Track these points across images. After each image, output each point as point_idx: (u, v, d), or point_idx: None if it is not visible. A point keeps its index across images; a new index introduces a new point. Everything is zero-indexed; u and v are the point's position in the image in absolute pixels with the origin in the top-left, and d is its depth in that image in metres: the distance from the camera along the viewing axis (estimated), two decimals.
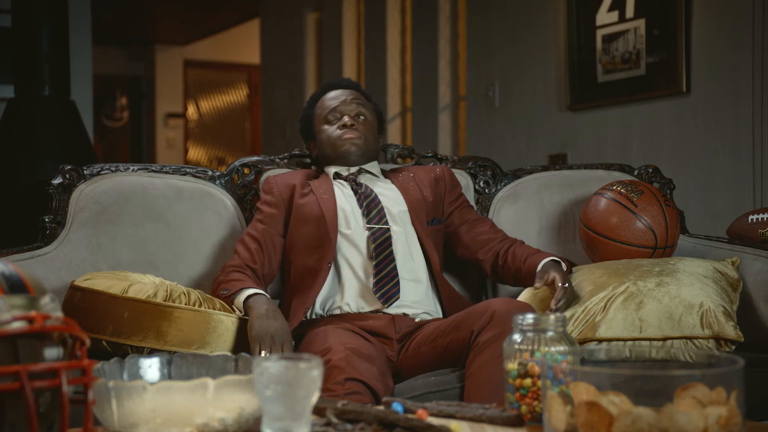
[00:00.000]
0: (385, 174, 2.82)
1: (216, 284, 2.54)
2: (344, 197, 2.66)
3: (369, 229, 2.59)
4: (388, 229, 2.59)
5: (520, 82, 5.29)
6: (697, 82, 4.18)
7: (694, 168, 4.17)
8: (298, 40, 7.83)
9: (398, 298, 2.51)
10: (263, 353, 2.25)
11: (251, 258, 2.59)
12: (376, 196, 2.65)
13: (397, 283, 2.52)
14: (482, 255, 2.71)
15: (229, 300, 2.44)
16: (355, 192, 2.67)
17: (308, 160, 2.94)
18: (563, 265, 2.58)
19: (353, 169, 2.74)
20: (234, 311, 2.42)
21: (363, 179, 2.72)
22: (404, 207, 2.68)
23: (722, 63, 4.08)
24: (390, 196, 2.69)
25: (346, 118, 2.71)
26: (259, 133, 9.59)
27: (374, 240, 2.57)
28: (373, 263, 2.54)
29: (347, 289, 2.55)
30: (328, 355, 2.21)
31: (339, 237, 2.58)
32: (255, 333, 2.30)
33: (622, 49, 4.51)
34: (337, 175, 2.74)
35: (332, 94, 2.80)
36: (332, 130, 2.73)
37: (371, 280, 2.53)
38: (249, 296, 2.42)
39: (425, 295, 2.61)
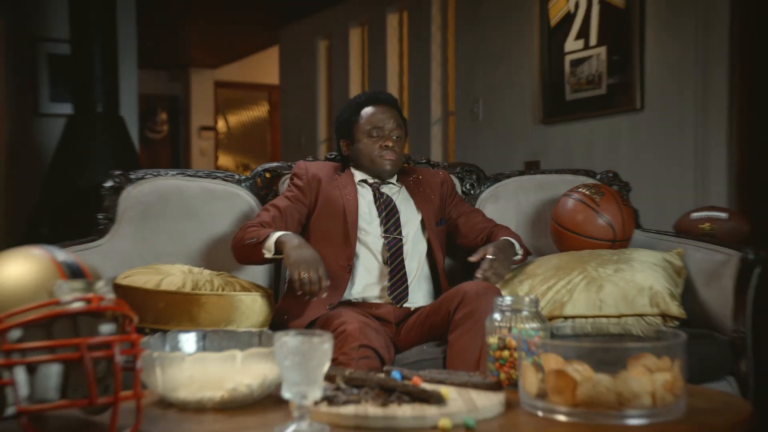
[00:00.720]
0: (399, 174, 2.73)
1: (238, 239, 2.47)
2: (365, 203, 2.58)
3: (385, 237, 2.53)
4: (401, 239, 2.53)
5: (501, 99, 5.29)
6: (649, 101, 4.19)
7: (647, 173, 4.18)
8: (311, 64, 7.84)
9: (407, 300, 2.48)
10: (303, 274, 2.25)
11: (269, 222, 2.52)
12: (395, 206, 2.59)
13: (407, 287, 2.48)
14: (479, 241, 2.67)
15: (259, 245, 2.39)
16: (376, 199, 2.61)
17: None
18: (516, 246, 2.56)
19: (371, 181, 2.66)
20: (263, 255, 2.38)
21: (385, 188, 2.65)
22: (418, 214, 2.62)
23: (670, 84, 4.09)
24: (406, 204, 2.63)
25: (389, 142, 2.58)
26: (278, 143, 9.59)
27: (389, 249, 2.51)
28: (388, 269, 2.48)
29: (358, 286, 2.50)
30: (344, 326, 2.20)
31: (357, 241, 2.52)
32: (293, 260, 2.28)
33: (586, 72, 4.52)
34: (362, 181, 2.66)
35: (377, 109, 2.62)
36: (373, 146, 2.59)
37: (383, 283, 2.49)
38: (279, 236, 2.38)
39: (427, 291, 2.58)
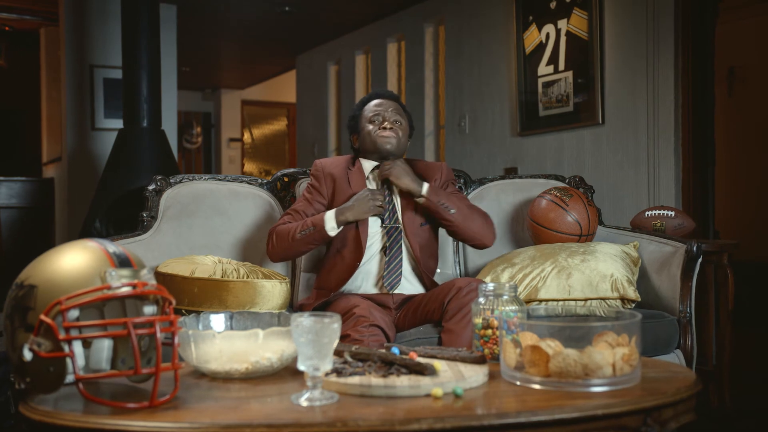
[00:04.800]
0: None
1: (284, 237, 2.39)
2: None
3: (383, 227, 2.44)
4: (399, 227, 2.44)
5: (484, 115, 5.28)
6: (609, 117, 4.19)
7: (608, 178, 4.17)
8: (323, 85, 7.83)
9: (399, 286, 2.40)
10: (379, 210, 2.36)
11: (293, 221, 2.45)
12: (392, 198, 2.47)
13: (400, 274, 2.41)
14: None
15: (322, 231, 2.34)
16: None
17: None
18: (424, 190, 2.40)
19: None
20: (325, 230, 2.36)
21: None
22: (409, 210, 2.46)
23: (626, 103, 4.08)
24: (402, 198, 2.48)
25: (386, 124, 2.49)
26: (295, 152, 9.58)
27: (389, 237, 2.42)
28: (386, 258, 2.41)
29: (361, 276, 2.43)
30: (355, 309, 2.17)
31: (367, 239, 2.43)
32: (362, 213, 2.35)
33: (556, 93, 4.50)
34: (370, 173, 2.53)
35: (377, 101, 2.56)
36: (374, 129, 2.50)
37: (381, 273, 2.41)
38: (331, 216, 2.35)
39: (416, 279, 2.48)
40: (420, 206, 2.46)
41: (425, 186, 2.42)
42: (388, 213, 2.46)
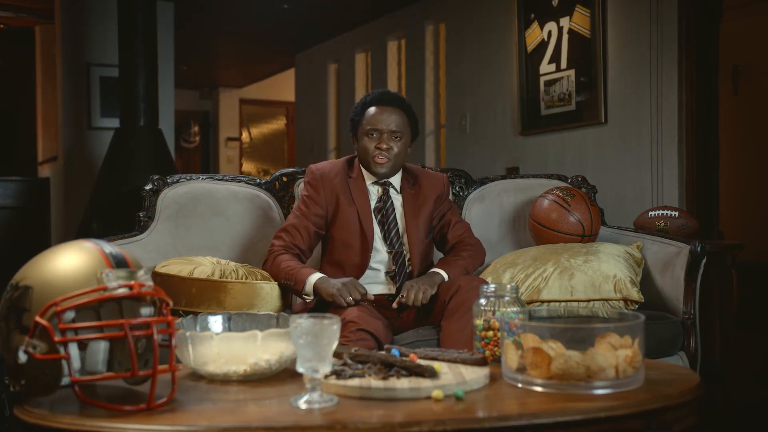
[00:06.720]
0: (403, 176, 2.51)
1: (274, 270, 2.35)
2: (375, 217, 2.43)
3: (389, 252, 2.41)
4: (403, 252, 2.41)
5: (485, 114, 5.28)
6: (612, 116, 4.18)
7: (611, 177, 4.17)
8: (323, 84, 7.83)
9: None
10: (347, 300, 2.19)
11: (292, 247, 2.41)
12: (395, 218, 2.44)
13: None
14: (446, 252, 2.55)
15: (295, 290, 2.30)
16: (377, 212, 2.44)
17: None
18: (442, 276, 2.35)
19: (381, 181, 2.47)
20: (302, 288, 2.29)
21: (391, 192, 2.47)
22: (413, 225, 2.44)
23: (630, 101, 4.08)
24: (405, 215, 2.45)
25: (383, 144, 2.38)
26: (294, 151, 9.57)
27: (395, 263, 2.40)
28: (396, 285, 2.38)
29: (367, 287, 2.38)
30: (344, 315, 2.16)
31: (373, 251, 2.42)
32: (333, 294, 2.20)
33: (558, 91, 4.50)
34: (372, 184, 2.47)
35: (378, 110, 2.40)
36: (370, 147, 2.39)
37: (389, 286, 2.39)
38: (314, 283, 2.27)
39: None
40: (423, 218, 2.46)
41: (445, 275, 2.36)
42: (393, 233, 2.42)
